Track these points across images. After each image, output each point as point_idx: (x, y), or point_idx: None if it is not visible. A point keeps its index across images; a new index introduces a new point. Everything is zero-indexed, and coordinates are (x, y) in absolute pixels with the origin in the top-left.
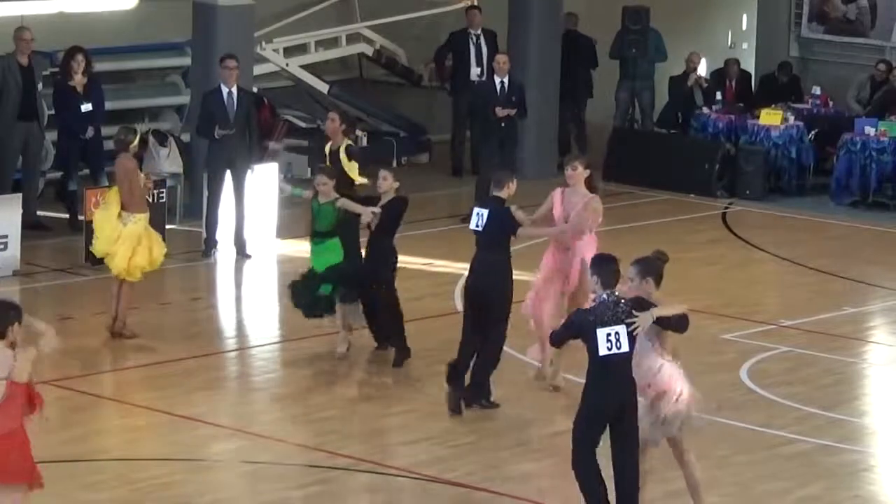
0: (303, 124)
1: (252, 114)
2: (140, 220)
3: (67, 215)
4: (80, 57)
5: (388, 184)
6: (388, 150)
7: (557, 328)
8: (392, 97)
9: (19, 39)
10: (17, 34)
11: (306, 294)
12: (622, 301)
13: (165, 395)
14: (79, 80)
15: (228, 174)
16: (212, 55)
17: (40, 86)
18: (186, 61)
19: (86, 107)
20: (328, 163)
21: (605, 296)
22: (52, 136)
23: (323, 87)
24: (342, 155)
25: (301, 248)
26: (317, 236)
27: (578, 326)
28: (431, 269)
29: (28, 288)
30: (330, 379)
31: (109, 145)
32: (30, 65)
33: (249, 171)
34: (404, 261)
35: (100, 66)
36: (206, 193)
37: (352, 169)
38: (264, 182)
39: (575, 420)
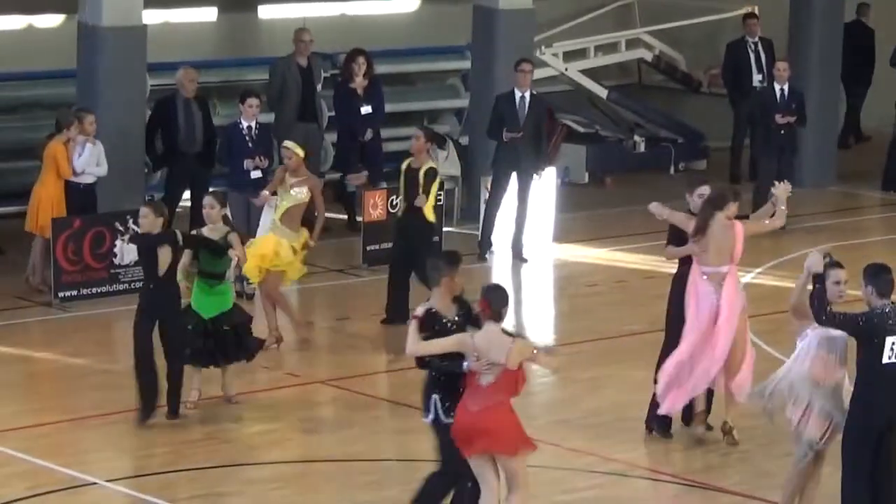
0: (581, 129)
1: (543, 119)
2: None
3: (346, 216)
4: (361, 59)
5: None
6: (666, 155)
7: (844, 312)
8: (670, 103)
9: (298, 41)
10: (297, 35)
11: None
12: None
13: None
14: (359, 83)
15: (514, 177)
16: (492, 59)
17: (319, 87)
18: (466, 65)
19: (366, 109)
20: (403, 182)
21: (886, 305)
22: (331, 137)
23: (602, 92)
24: (421, 176)
25: (579, 252)
26: (205, 276)
27: (873, 327)
28: None
29: (306, 288)
30: (603, 384)
31: (389, 147)
32: (309, 66)
33: (536, 177)
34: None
35: (380, 68)
36: (485, 195)
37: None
38: (542, 186)
39: (843, 438)
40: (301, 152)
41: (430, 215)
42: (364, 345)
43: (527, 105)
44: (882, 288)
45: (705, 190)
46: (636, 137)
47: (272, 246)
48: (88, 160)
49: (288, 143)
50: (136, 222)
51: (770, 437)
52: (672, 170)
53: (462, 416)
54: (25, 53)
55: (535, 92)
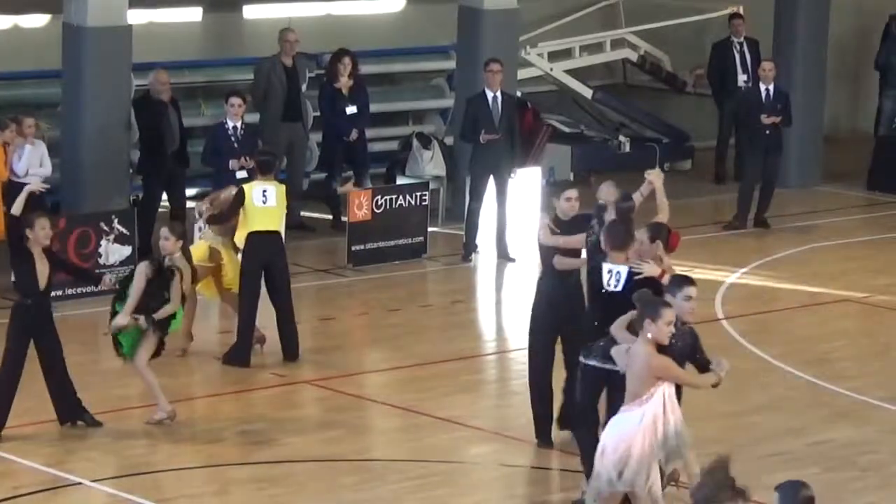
0: (566, 129)
1: (515, 118)
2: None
3: (331, 216)
4: (346, 59)
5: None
6: (651, 155)
7: None
8: (655, 103)
9: (284, 41)
10: (282, 35)
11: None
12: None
13: (424, 397)
14: (344, 83)
15: (491, 178)
16: (477, 59)
17: (304, 87)
18: (451, 65)
19: (351, 109)
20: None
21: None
22: (316, 137)
23: (587, 93)
24: None
25: None
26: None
27: None
28: (692, 275)
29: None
30: None
31: (374, 147)
32: (294, 66)
33: (511, 176)
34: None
35: (365, 68)
36: (468, 197)
37: None
38: (527, 186)
39: None
40: None
41: None
42: (349, 345)
43: (500, 105)
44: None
45: (572, 193)
46: (621, 137)
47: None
48: (29, 161)
49: None
50: (121, 222)
51: (754, 439)
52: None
53: None
54: (10, 54)
55: (506, 91)
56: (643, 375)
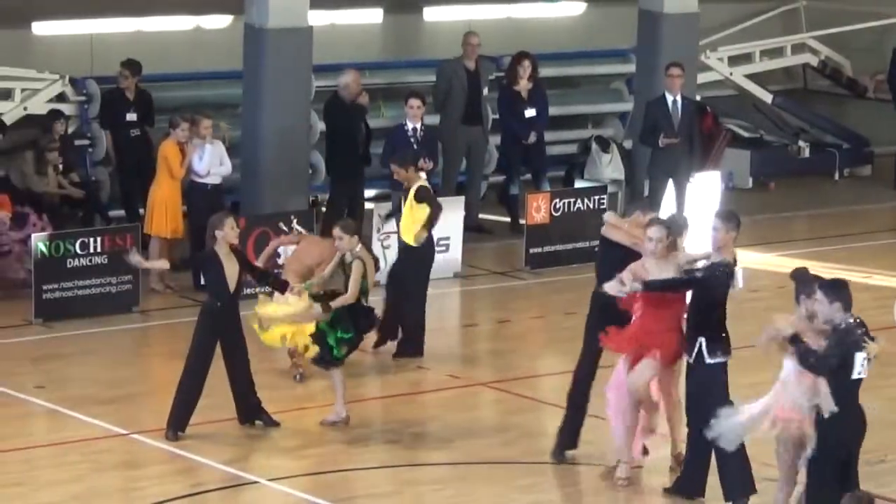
0: (745, 134)
1: (694, 122)
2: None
3: (508, 219)
4: (526, 62)
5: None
6: (831, 161)
7: (821, 355)
8: (836, 108)
9: (467, 44)
10: (465, 38)
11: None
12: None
13: (601, 402)
14: (524, 86)
15: (670, 182)
16: (656, 63)
17: (486, 90)
18: (631, 68)
19: (530, 112)
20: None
21: (851, 320)
22: (495, 139)
23: (766, 97)
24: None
25: (742, 257)
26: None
27: (847, 350)
28: (871, 282)
29: (467, 290)
30: (764, 390)
31: (552, 150)
32: (476, 69)
33: (690, 180)
34: (844, 273)
35: (545, 71)
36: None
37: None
38: (706, 190)
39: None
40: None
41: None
42: (525, 347)
43: (679, 109)
44: (847, 302)
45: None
46: (801, 143)
47: None
48: (211, 161)
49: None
50: (300, 222)
51: None
52: (837, 175)
53: None
54: (191, 54)
55: (686, 95)
56: None
